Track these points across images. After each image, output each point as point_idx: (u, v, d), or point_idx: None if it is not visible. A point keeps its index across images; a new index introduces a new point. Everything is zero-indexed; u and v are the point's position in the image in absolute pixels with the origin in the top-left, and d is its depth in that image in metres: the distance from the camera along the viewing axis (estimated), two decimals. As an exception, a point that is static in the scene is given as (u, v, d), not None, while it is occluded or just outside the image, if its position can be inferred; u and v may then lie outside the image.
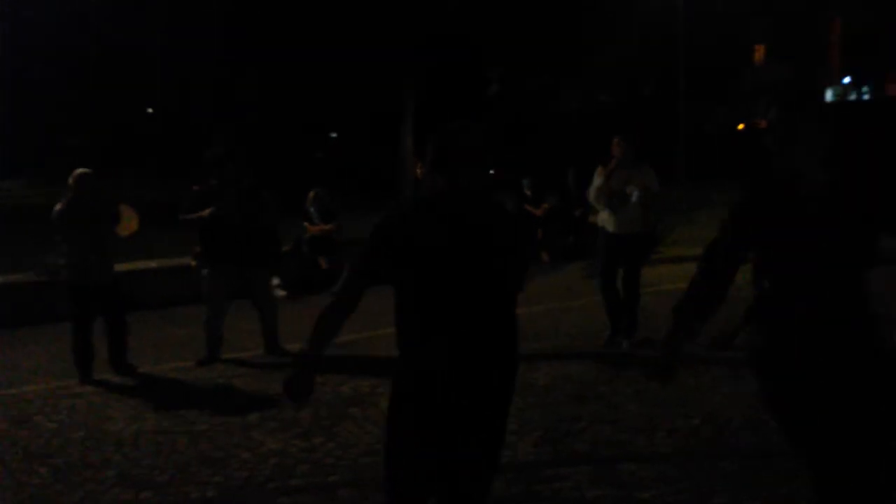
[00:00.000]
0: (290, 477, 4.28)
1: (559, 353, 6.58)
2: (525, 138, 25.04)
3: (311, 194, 9.92)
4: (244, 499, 4.07)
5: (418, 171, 6.86)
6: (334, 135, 37.89)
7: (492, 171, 3.83)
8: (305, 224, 9.90)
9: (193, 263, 7.86)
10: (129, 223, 6.62)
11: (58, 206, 6.32)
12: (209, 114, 26.59)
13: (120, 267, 9.53)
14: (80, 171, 6.43)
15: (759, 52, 40.58)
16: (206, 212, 6.52)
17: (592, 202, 7.04)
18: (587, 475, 4.11)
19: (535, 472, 4.16)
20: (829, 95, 43.12)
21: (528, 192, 12.28)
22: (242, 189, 6.67)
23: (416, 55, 22.47)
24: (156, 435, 4.97)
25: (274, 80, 26.03)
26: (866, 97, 42.98)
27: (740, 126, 39.48)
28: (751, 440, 4.46)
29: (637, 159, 6.72)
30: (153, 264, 9.75)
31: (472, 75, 28.93)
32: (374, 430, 4.90)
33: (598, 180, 6.71)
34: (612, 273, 6.64)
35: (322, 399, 5.56)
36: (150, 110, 33.17)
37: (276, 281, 9.28)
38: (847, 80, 44.34)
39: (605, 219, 6.69)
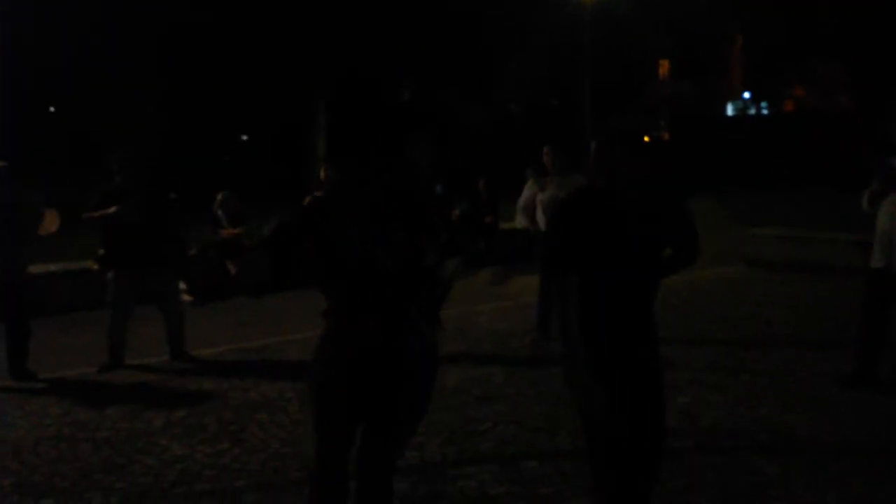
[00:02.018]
0: (196, 482, 4.25)
1: (468, 355, 6.69)
2: (440, 148, 25.26)
3: (219, 197, 9.77)
4: (148, 504, 4.03)
5: (322, 174, 6.91)
6: (244, 137, 37.35)
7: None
8: (217, 228, 9.74)
9: (95, 267, 7.67)
10: (49, 224, 6.45)
11: None
12: (116, 115, 25.90)
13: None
14: None
15: (664, 68, 41.92)
16: (112, 209, 6.37)
17: (519, 211, 7.30)
18: (491, 473, 4.23)
19: (441, 472, 4.26)
20: (729, 110, 44.95)
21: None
22: (147, 191, 6.55)
23: (325, 63, 22.46)
24: (57, 441, 4.85)
25: (183, 82, 25.53)
26: (765, 112, 44.93)
27: (646, 138, 40.71)
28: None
29: (569, 167, 6.96)
30: (53, 268, 9.44)
31: (385, 84, 29.01)
32: (281, 434, 4.92)
33: (527, 192, 6.97)
34: (549, 278, 6.82)
35: (229, 404, 5.54)
36: (52, 109, 32.02)
37: (181, 286, 9.14)
38: (747, 95, 46.25)
39: (543, 224, 6.89)
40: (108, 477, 4.31)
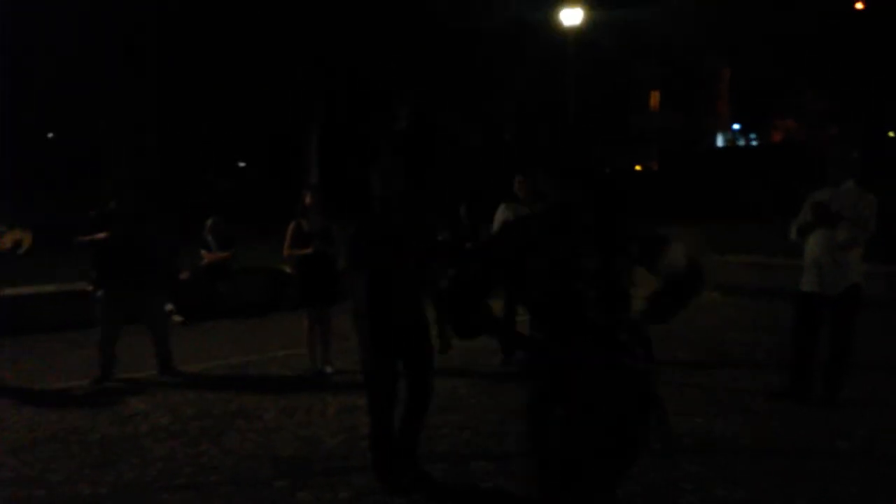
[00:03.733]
0: (176, 477, 4.71)
1: (437, 370, 7.14)
2: (426, 173, 25.85)
3: (209, 223, 10.29)
4: (131, 495, 4.48)
5: (307, 200, 7.39)
6: (242, 164, 38.01)
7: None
8: (202, 252, 10.25)
9: (90, 288, 8.14)
10: (6, 239, 6.81)
11: None
12: (113, 141, 26.47)
13: (19, 290, 9.76)
14: None
15: (655, 99, 42.74)
16: (102, 235, 6.85)
17: None
18: (442, 471, 4.70)
19: (397, 468, 4.72)
20: (719, 141, 45.68)
21: (423, 225, 12.93)
22: (138, 215, 7.00)
23: (320, 88, 23.06)
24: (51, 443, 5.31)
25: (181, 108, 26.14)
26: (754, 143, 45.66)
27: (637, 167, 41.40)
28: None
29: (535, 196, 7.42)
30: (51, 288, 9.92)
31: (380, 112, 29.66)
32: (257, 439, 5.38)
33: (500, 216, 7.43)
34: (513, 302, 7.17)
35: (210, 413, 6.00)
36: (49, 135, 32.65)
37: (170, 307, 9.62)
38: (736, 126, 47.05)
39: None
40: (97, 473, 4.77)
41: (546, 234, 2.88)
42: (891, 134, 33.29)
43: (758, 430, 5.42)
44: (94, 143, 27.19)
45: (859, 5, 35.72)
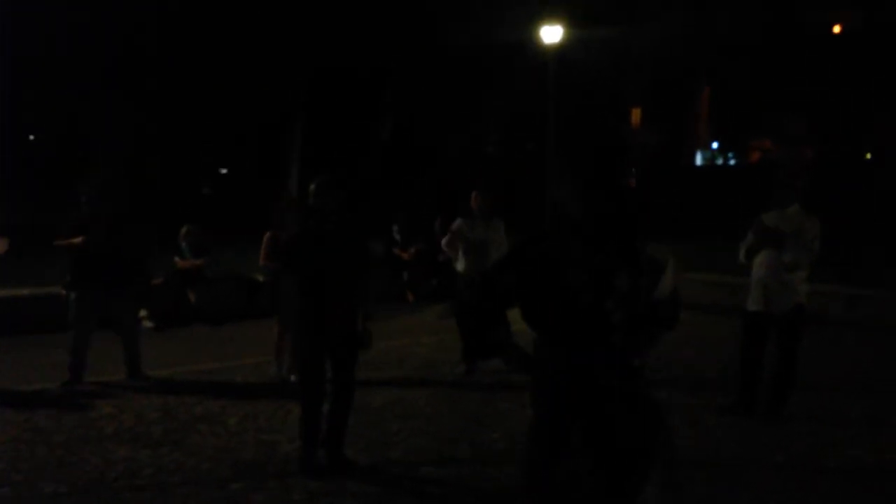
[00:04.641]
0: (136, 478, 4.87)
1: (400, 380, 7.37)
2: (406, 184, 26.06)
3: (184, 230, 10.43)
4: (92, 494, 4.63)
5: (284, 210, 7.62)
6: (224, 171, 38.05)
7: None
8: (176, 259, 10.39)
9: (63, 292, 8.26)
10: None
11: None
12: (95, 144, 26.50)
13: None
14: None
15: (636, 116, 43.17)
16: (78, 240, 6.99)
17: (445, 248, 7.98)
18: (393, 475, 4.89)
19: (350, 473, 4.91)
20: (698, 159, 46.15)
21: (398, 237, 13.15)
22: (111, 219, 7.13)
23: (303, 94, 23.21)
24: (14, 443, 5.45)
25: (160, 113, 26.18)
26: (732, 162, 46.18)
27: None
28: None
29: (491, 212, 7.65)
30: (26, 291, 10.02)
31: (365, 122, 29.86)
32: (218, 443, 5.55)
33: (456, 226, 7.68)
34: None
35: (175, 417, 6.16)
36: (31, 137, 32.64)
37: (143, 313, 9.75)
38: (715, 145, 47.55)
39: (462, 265, 7.62)
40: (60, 472, 4.92)
41: (586, 248, 2.78)
42: (868, 156, 33.85)
43: (703, 442, 5.64)
44: (74, 145, 27.21)
45: (837, 29, 36.43)
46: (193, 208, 19.48)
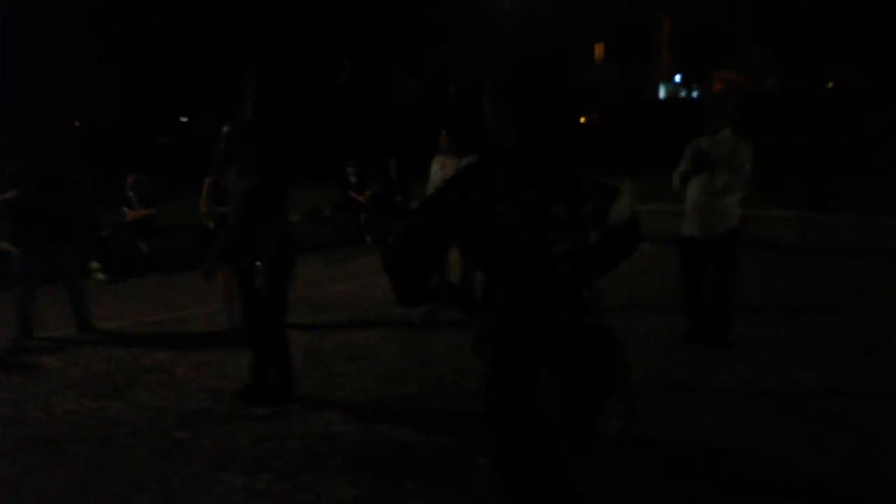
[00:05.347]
0: (80, 430, 4.83)
1: (352, 322, 7.36)
2: (365, 127, 25.81)
3: (130, 180, 10.23)
4: (36, 450, 4.57)
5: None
6: (184, 119, 37.35)
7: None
8: (125, 209, 10.22)
9: (9, 248, 8.10)
10: None
11: None
12: (45, 98, 25.85)
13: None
14: None
15: (599, 50, 42.86)
16: (9, 194, 6.83)
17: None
18: (339, 415, 4.90)
19: (296, 415, 4.92)
20: (661, 93, 46.07)
21: (353, 180, 13.02)
22: (45, 173, 6.96)
23: (259, 40, 22.82)
24: (-45, 401, 5.38)
25: (115, 62, 25.58)
26: (695, 94, 46.15)
27: (582, 119, 41.68)
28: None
29: (462, 150, 7.55)
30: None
31: (322, 65, 29.38)
32: (165, 393, 5.51)
33: (434, 167, 7.58)
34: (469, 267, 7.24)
35: (122, 368, 6.10)
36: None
37: (95, 265, 9.62)
38: (678, 78, 47.44)
39: None
40: (2, 429, 4.87)
41: (514, 180, 2.64)
42: (829, 85, 33.90)
43: (649, 369, 5.70)
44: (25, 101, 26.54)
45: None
46: (149, 158, 19.12)
